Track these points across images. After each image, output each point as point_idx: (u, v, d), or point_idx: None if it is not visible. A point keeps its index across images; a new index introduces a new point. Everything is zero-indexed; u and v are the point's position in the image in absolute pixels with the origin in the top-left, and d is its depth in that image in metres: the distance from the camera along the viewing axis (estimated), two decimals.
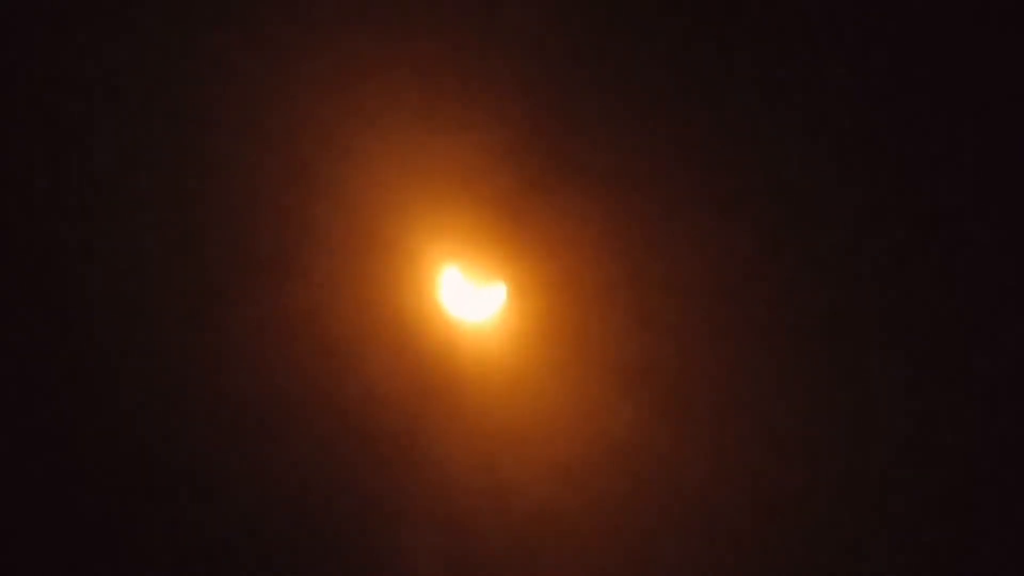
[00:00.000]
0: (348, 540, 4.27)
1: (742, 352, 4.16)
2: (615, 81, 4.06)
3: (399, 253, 4.10)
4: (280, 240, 4.11)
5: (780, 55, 4.07)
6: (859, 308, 4.17)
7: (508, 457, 4.19)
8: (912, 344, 4.16)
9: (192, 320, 4.18)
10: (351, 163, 4.05)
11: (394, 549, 4.26)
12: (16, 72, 4.01)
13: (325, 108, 4.02)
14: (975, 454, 4.15)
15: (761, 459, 4.18)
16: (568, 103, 4.06)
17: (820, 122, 4.10)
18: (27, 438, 4.23)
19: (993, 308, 4.12)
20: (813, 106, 4.09)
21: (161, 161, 4.05)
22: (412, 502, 4.23)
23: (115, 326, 4.19)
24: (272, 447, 4.23)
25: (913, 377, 4.17)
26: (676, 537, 4.21)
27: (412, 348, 4.15)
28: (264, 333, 4.16)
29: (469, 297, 4.12)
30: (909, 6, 4.05)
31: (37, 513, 4.24)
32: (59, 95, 4.02)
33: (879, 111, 4.09)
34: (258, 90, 4.03)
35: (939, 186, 4.11)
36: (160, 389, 4.22)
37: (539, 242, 4.09)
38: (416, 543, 4.25)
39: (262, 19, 3.98)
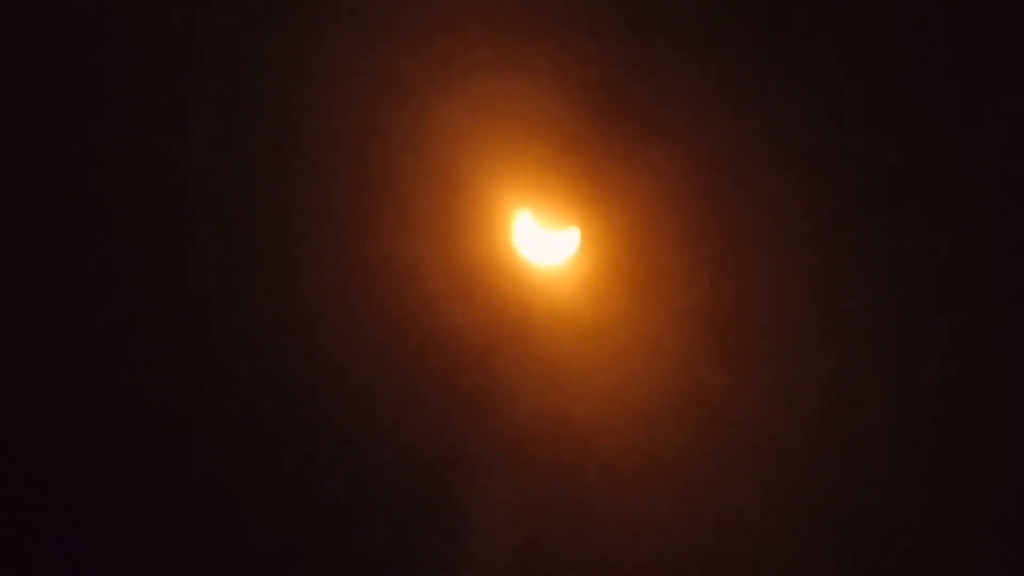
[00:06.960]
0: (422, 485, 4.34)
1: (821, 299, 4.19)
2: (696, 28, 4.11)
3: (474, 199, 4.17)
4: (360, 190, 4.22)
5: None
6: (928, 260, 4.19)
7: (580, 400, 4.24)
8: (976, 298, 4.19)
9: (276, 268, 4.31)
10: (428, 114, 4.15)
11: (466, 494, 4.32)
12: (138, 49, 4.23)
13: (402, 61, 4.13)
14: None
15: (834, 405, 4.21)
16: (644, 49, 4.12)
17: (902, 79, 4.13)
18: (123, 397, 4.39)
19: None
20: (895, 64, 4.12)
21: (256, 121, 4.23)
22: (485, 447, 4.30)
23: (209, 277, 4.34)
24: (350, 392, 4.32)
25: (977, 330, 4.19)
26: (749, 484, 4.24)
27: (487, 292, 4.22)
28: (345, 280, 4.26)
29: (543, 242, 4.19)
30: None
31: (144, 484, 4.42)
32: (163, 66, 4.23)
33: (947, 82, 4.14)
34: (340, 49, 4.15)
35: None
36: (245, 336, 4.35)
37: (613, 188, 4.14)
38: (487, 488, 4.31)
39: None
